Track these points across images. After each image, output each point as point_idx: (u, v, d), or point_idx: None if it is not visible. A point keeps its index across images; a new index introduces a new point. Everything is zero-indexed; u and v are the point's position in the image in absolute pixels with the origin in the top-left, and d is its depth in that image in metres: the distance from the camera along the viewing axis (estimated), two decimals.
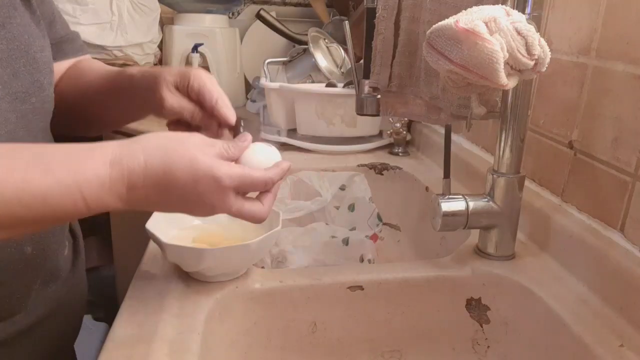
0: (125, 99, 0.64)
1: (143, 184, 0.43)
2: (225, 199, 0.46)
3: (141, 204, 0.44)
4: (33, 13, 0.58)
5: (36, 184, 0.40)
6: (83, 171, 0.41)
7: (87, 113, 0.68)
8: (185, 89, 0.57)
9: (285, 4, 1.68)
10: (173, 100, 0.56)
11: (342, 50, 1.19)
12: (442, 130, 0.89)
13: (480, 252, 0.63)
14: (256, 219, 0.49)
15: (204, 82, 0.56)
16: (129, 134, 1.28)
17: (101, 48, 1.33)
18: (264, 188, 0.49)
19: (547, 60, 0.48)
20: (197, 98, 0.57)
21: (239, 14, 1.67)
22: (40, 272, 0.58)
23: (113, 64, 1.30)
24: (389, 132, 1.07)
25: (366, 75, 0.67)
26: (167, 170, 0.43)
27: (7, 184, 0.39)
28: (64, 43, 0.68)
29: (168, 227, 0.59)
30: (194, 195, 0.44)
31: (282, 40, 1.44)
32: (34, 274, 0.57)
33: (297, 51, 1.22)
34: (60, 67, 0.67)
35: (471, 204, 0.60)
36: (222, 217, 0.65)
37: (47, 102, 0.57)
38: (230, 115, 0.56)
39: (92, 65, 0.71)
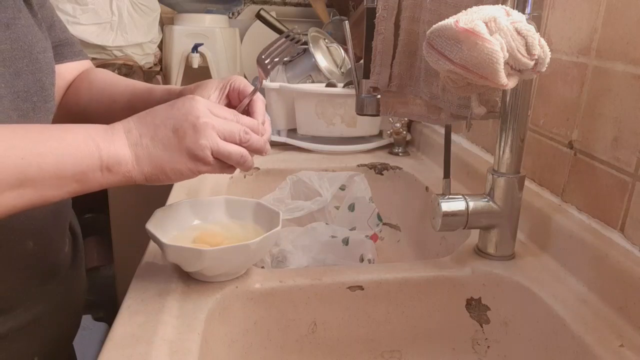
0: None
1: (135, 125, 0.49)
2: (201, 114, 0.49)
3: (139, 144, 0.48)
4: (35, 16, 0.59)
5: (51, 135, 0.45)
6: (91, 126, 0.48)
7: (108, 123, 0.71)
8: (226, 93, 0.62)
9: (285, 4, 1.68)
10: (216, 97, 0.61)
11: (342, 50, 1.19)
12: (442, 130, 0.89)
13: (480, 252, 0.63)
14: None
15: (240, 83, 0.61)
16: None
17: (101, 48, 1.33)
18: (242, 134, 0.51)
19: (547, 60, 0.48)
20: (238, 96, 0.61)
21: (239, 14, 1.67)
22: (41, 268, 0.58)
23: (113, 64, 1.31)
24: (389, 132, 1.07)
25: (366, 75, 0.67)
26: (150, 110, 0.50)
27: (22, 143, 0.43)
28: (63, 46, 0.69)
29: (168, 227, 0.59)
30: (170, 118, 0.49)
31: None
32: (34, 269, 0.57)
33: (297, 51, 1.22)
34: (60, 69, 0.68)
35: (471, 204, 0.60)
36: (222, 217, 0.65)
37: (48, 101, 0.58)
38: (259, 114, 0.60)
39: (110, 76, 0.73)
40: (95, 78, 0.71)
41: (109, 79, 0.72)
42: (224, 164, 0.51)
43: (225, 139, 0.50)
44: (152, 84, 0.70)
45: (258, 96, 0.61)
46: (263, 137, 0.54)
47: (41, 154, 0.43)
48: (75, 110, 0.70)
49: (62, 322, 0.64)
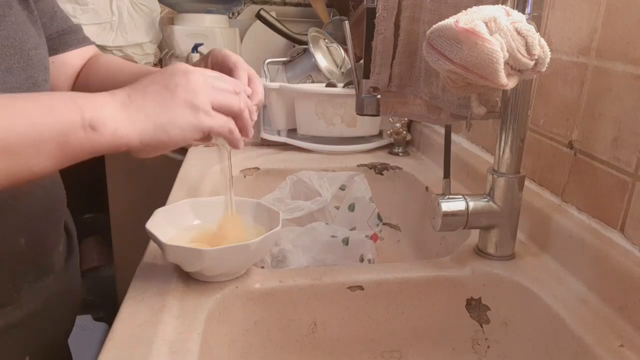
0: None
1: (121, 90, 0.46)
2: (190, 68, 0.47)
3: (128, 103, 0.45)
4: (30, 12, 0.59)
5: (25, 99, 0.42)
6: (72, 92, 0.45)
7: None
8: (209, 66, 0.60)
9: (285, 4, 1.68)
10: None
11: (342, 50, 1.19)
12: (442, 130, 0.89)
13: (480, 252, 0.63)
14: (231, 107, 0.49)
15: (225, 52, 0.61)
16: None
17: (101, 48, 1.33)
18: (233, 86, 0.50)
19: (547, 60, 0.48)
20: (220, 69, 0.59)
21: (239, 14, 1.67)
22: (34, 265, 0.58)
23: None
24: (389, 132, 1.07)
25: (366, 75, 0.67)
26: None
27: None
28: (66, 34, 0.68)
29: (168, 227, 0.59)
30: (159, 77, 0.47)
31: (282, 40, 1.44)
32: (27, 266, 0.57)
33: (297, 51, 1.22)
34: (66, 58, 0.68)
35: (471, 204, 0.60)
36: (222, 217, 0.65)
37: None
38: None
39: (119, 62, 0.72)
40: (102, 64, 0.71)
41: (116, 64, 0.71)
42: (227, 118, 0.49)
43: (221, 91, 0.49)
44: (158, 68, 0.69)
45: (239, 66, 0.59)
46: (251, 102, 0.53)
47: (13, 115, 0.40)
48: None
49: (55, 321, 0.64)
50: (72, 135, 0.41)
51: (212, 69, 0.58)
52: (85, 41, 0.72)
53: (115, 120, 0.43)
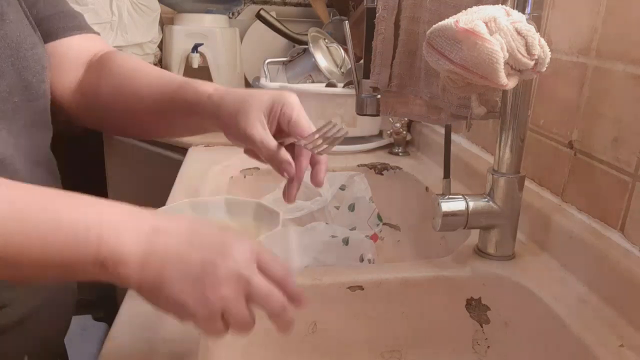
0: (190, 117, 0.59)
1: (167, 230, 0.39)
2: (244, 264, 0.39)
3: (158, 255, 0.38)
4: (25, 9, 0.57)
5: (46, 210, 0.37)
6: (107, 206, 0.39)
7: (132, 120, 0.64)
8: (277, 117, 0.53)
9: (285, 4, 1.68)
10: (262, 135, 0.52)
11: (342, 50, 1.19)
12: (442, 130, 0.89)
13: (480, 252, 0.63)
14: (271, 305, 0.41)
15: (292, 110, 0.53)
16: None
17: None
18: (283, 277, 0.41)
19: (547, 60, 0.48)
20: (287, 129, 0.53)
21: (239, 14, 1.67)
22: None
23: None
24: (389, 132, 1.07)
25: (366, 75, 0.67)
26: (193, 226, 0.41)
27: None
28: (49, 21, 0.62)
29: None
30: (207, 252, 0.39)
31: (282, 40, 1.44)
32: None
33: (297, 51, 1.22)
34: (60, 47, 0.63)
35: (471, 204, 0.60)
36: (222, 218, 0.65)
37: (33, 100, 0.55)
38: (321, 175, 0.54)
39: (133, 65, 0.65)
40: (117, 65, 0.64)
41: (133, 68, 0.64)
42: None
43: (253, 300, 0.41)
44: (187, 79, 0.61)
45: (294, 104, 0.53)
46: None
47: (25, 230, 0.35)
48: (97, 104, 0.63)
49: (53, 320, 0.63)
50: (78, 267, 0.38)
51: (281, 120, 0.53)
52: (78, 29, 0.65)
53: (129, 263, 0.37)
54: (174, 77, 0.63)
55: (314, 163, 0.56)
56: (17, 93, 0.53)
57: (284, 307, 0.41)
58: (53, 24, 0.63)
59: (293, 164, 0.53)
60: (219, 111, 0.55)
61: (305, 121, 0.54)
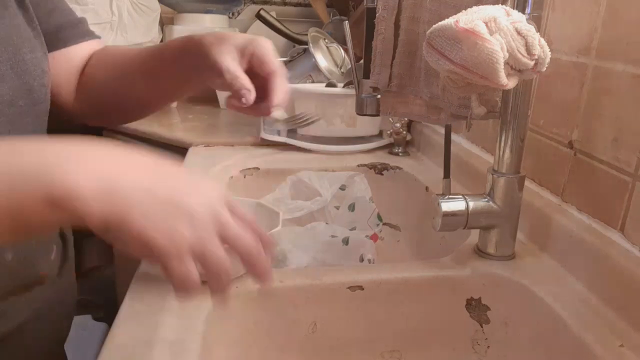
0: (175, 69, 0.63)
1: (130, 162, 0.38)
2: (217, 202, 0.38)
3: (122, 188, 0.35)
4: (26, 11, 0.57)
5: None
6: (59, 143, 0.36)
7: (127, 97, 0.67)
8: (248, 56, 0.57)
9: (285, 4, 1.68)
10: (228, 63, 0.56)
11: (342, 50, 1.19)
12: (442, 130, 0.89)
13: (480, 252, 0.63)
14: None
15: (263, 51, 0.57)
16: (130, 134, 1.28)
17: None
18: (252, 220, 0.41)
19: (547, 60, 0.48)
20: (260, 70, 0.57)
21: (239, 14, 1.67)
22: (21, 278, 0.55)
23: None
24: (389, 132, 1.07)
25: (366, 75, 0.67)
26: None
27: None
28: (66, 29, 0.66)
29: None
30: (172, 188, 0.38)
31: (282, 40, 1.44)
32: (14, 280, 0.54)
33: (297, 51, 1.22)
34: (68, 54, 0.66)
35: (471, 204, 0.60)
36: None
37: (37, 103, 0.56)
38: (275, 97, 0.57)
39: (122, 49, 0.70)
40: (106, 55, 0.68)
41: (120, 51, 0.69)
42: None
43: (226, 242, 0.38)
44: (165, 43, 0.66)
45: (264, 45, 0.57)
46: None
47: None
48: (94, 95, 0.66)
49: (49, 329, 0.62)
50: (30, 210, 0.34)
51: (252, 60, 0.57)
52: (87, 35, 0.69)
53: (85, 201, 0.34)
54: (154, 46, 0.70)
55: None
56: (21, 97, 0.53)
57: (259, 250, 0.40)
58: (65, 33, 0.66)
59: (252, 91, 0.56)
60: (200, 47, 0.58)
61: (276, 63, 0.58)
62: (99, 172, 0.35)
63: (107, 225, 0.35)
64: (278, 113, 0.59)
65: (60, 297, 0.63)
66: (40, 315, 0.59)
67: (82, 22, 0.69)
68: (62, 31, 0.65)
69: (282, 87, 0.58)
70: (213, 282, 0.38)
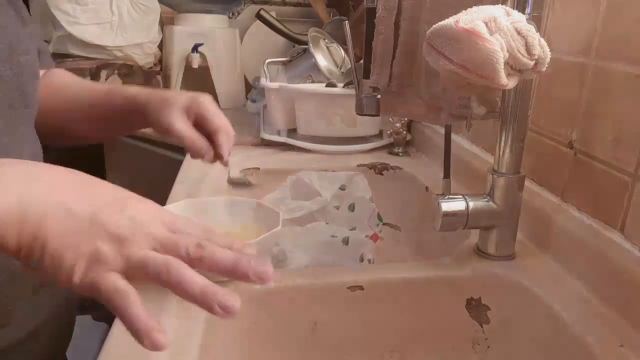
0: (119, 119, 0.66)
1: (47, 179, 0.34)
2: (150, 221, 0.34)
3: (38, 208, 0.32)
4: (18, 12, 0.56)
5: None
6: None
7: (69, 133, 0.68)
8: (193, 115, 0.62)
9: (285, 4, 1.68)
10: (181, 125, 0.61)
11: (342, 50, 1.19)
12: (442, 130, 0.89)
13: (480, 252, 0.63)
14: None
15: (206, 109, 0.62)
16: (130, 134, 1.27)
17: (101, 48, 1.33)
18: (197, 231, 0.36)
19: (547, 60, 0.48)
20: (202, 124, 0.62)
21: (239, 14, 1.67)
22: (29, 283, 0.55)
23: (113, 64, 1.31)
24: (389, 132, 1.07)
25: (366, 75, 0.67)
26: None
27: None
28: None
29: None
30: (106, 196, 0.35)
31: (282, 40, 1.44)
32: (22, 286, 0.54)
33: (297, 51, 1.22)
34: None
35: (471, 204, 0.60)
36: (222, 218, 0.65)
37: (29, 106, 0.55)
38: (225, 152, 0.62)
39: (68, 81, 0.70)
40: (52, 81, 0.68)
41: (66, 81, 0.70)
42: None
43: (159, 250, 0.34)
44: (112, 87, 0.68)
45: (206, 103, 0.61)
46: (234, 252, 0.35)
47: None
48: (43, 119, 0.63)
49: (55, 336, 0.62)
50: None
51: (197, 119, 0.62)
52: (46, 64, 0.67)
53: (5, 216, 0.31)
54: (101, 86, 0.71)
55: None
56: (16, 100, 0.52)
57: (198, 246, 0.34)
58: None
59: (211, 148, 0.62)
60: (145, 110, 0.63)
61: (217, 118, 0.62)
62: (16, 192, 0.32)
63: (22, 248, 0.32)
64: (229, 168, 0.64)
65: (63, 299, 0.63)
66: (47, 321, 0.58)
67: (46, 52, 0.70)
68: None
69: (226, 145, 0.63)
70: (179, 290, 0.33)
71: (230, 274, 0.34)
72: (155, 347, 0.32)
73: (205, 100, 0.63)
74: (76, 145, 0.75)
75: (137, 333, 0.32)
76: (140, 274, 0.33)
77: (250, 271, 0.34)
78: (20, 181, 0.32)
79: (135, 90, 0.65)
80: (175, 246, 0.34)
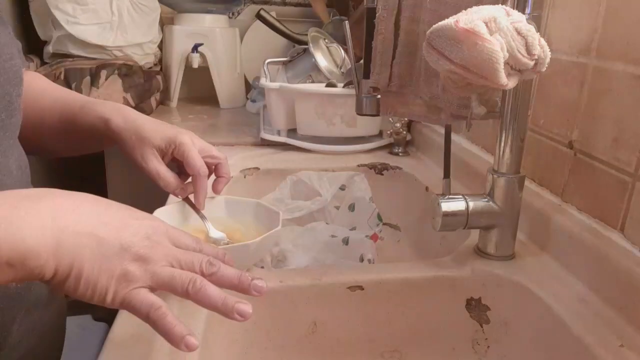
0: (88, 137, 0.64)
1: (73, 210, 0.37)
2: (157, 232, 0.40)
3: (66, 229, 0.36)
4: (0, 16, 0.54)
5: None
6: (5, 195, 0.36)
7: (39, 145, 0.66)
8: (170, 155, 0.62)
9: (285, 4, 1.68)
10: (157, 167, 0.61)
11: (342, 50, 1.19)
12: (442, 130, 0.89)
13: (480, 252, 0.63)
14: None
15: (185, 154, 0.60)
16: None
17: (101, 48, 1.33)
18: (195, 245, 0.42)
19: (547, 60, 0.48)
20: (181, 164, 0.62)
21: (239, 14, 1.67)
22: (24, 303, 0.53)
23: (113, 64, 1.31)
24: (389, 132, 1.07)
25: (366, 75, 0.67)
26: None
27: None
28: None
29: None
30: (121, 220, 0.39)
31: (282, 40, 1.44)
32: (17, 306, 0.52)
33: (297, 51, 1.22)
34: None
35: (471, 204, 0.60)
36: (222, 218, 0.65)
37: (14, 115, 0.52)
38: (200, 202, 0.62)
39: (44, 85, 0.67)
40: (28, 89, 0.63)
41: (39, 88, 0.66)
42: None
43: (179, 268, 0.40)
44: (88, 102, 0.64)
45: (185, 146, 0.60)
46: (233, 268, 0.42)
47: None
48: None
49: (50, 348, 0.61)
50: None
51: (175, 158, 0.61)
52: (23, 65, 0.63)
53: (39, 256, 0.34)
54: (77, 98, 0.67)
55: (216, 176, 0.66)
56: (3, 109, 0.50)
57: (210, 263, 0.40)
58: None
59: (186, 189, 0.63)
60: (117, 140, 0.61)
61: (196, 160, 0.61)
62: (47, 226, 0.35)
63: (59, 277, 0.35)
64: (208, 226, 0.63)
65: (54, 319, 0.62)
66: (39, 342, 0.57)
67: (21, 51, 0.64)
68: None
69: (202, 190, 0.62)
70: (204, 303, 0.39)
71: (234, 287, 0.40)
72: (189, 348, 0.37)
73: (183, 143, 0.61)
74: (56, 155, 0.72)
75: (174, 340, 0.37)
76: (165, 289, 0.38)
77: (251, 286, 0.40)
78: (53, 216, 0.36)
79: (109, 113, 0.62)
80: (192, 264, 0.39)
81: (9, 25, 0.56)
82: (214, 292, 0.38)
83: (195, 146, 0.63)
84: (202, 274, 0.39)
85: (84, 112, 0.63)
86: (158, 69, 1.49)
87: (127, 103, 1.27)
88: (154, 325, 0.37)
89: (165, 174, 0.61)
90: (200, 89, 1.56)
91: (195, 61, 1.42)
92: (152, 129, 0.61)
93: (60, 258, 0.35)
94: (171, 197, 0.78)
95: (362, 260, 0.75)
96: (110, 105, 0.63)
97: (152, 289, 0.38)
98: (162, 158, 0.62)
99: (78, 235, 0.36)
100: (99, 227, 0.37)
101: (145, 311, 0.37)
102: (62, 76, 1.22)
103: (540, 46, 0.47)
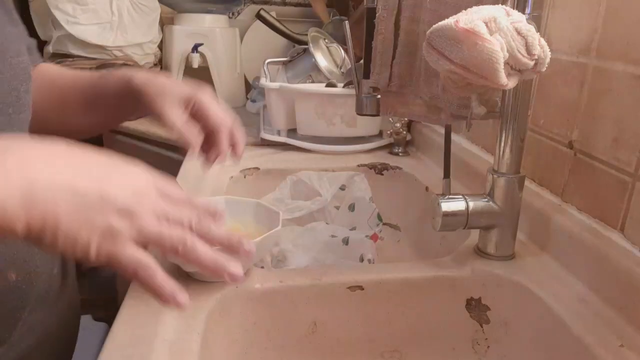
0: (112, 105, 0.64)
1: (44, 160, 0.34)
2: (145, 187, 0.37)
3: (44, 191, 0.33)
4: (8, 13, 0.54)
5: None
6: None
7: (65, 125, 0.66)
8: (190, 109, 0.60)
9: (285, 4, 1.68)
10: (176, 116, 0.58)
11: (342, 50, 1.19)
12: (442, 130, 0.89)
13: (480, 252, 0.63)
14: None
15: (205, 107, 0.59)
16: (130, 134, 1.27)
17: (101, 48, 1.33)
18: (182, 196, 0.39)
19: (547, 60, 0.48)
20: (201, 119, 0.59)
21: (239, 14, 1.67)
22: (28, 298, 0.53)
23: (113, 64, 1.31)
24: (389, 132, 1.07)
25: (366, 75, 0.67)
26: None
27: None
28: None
29: None
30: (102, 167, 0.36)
31: (282, 40, 1.44)
32: (20, 300, 0.52)
33: (297, 51, 1.22)
34: None
35: (471, 204, 0.60)
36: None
37: (23, 111, 0.53)
38: (223, 149, 0.61)
39: (58, 72, 0.68)
40: (43, 79, 0.65)
41: (57, 75, 0.67)
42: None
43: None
44: (104, 72, 0.65)
45: (206, 99, 0.59)
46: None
47: None
48: (36, 113, 0.60)
49: (61, 345, 0.61)
50: None
51: (196, 113, 0.59)
52: (35, 62, 0.65)
53: (4, 211, 0.31)
54: (94, 73, 0.68)
55: (232, 144, 0.63)
56: (10, 104, 0.50)
57: (199, 220, 0.38)
58: None
59: (199, 142, 0.59)
60: (140, 94, 0.60)
61: (218, 112, 0.60)
62: (12, 178, 0.32)
63: (32, 231, 0.32)
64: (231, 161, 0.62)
65: (62, 320, 0.61)
66: (43, 342, 0.57)
67: (34, 48, 0.66)
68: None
69: (224, 142, 0.60)
70: (195, 262, 0.37)
71: (223, 247, 0.39)
72: (179, 307, 0.36)
73: (204, 97, 0.60)
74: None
75: (164, 298, 0.36)
76: (153, 246, 0.36)
77: (240, 247, 0.39)
78: (20, 167, 0.33)
79: (131, 73, 0.62)
80: (181, 220, 0.37)
81: (21, 23, 0.57)
82: (204, 252, 0.37)
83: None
84: (191, 230, 0.37)
85: (104, 79, 0.64)
86: (158, 69, 1.50)
87: None
88: (141, 283, 0.36)
89: (182, 123, 0.59)
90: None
91: (195, 61, 1.42)
92: (173, 83, 0.61)
93: (31, 211, 0.32)
94: None
95: (362, 260, 0.75)
96: (129, 68, 0.64)
97: (139, 246, 0.35)
98: (184, 112, 0.60)
99: (51, 187, 0.33)
100: (75, 178, 0.34)
101: (133, 269, 0.35)
102: None
103: (540, 46, 0.47)
